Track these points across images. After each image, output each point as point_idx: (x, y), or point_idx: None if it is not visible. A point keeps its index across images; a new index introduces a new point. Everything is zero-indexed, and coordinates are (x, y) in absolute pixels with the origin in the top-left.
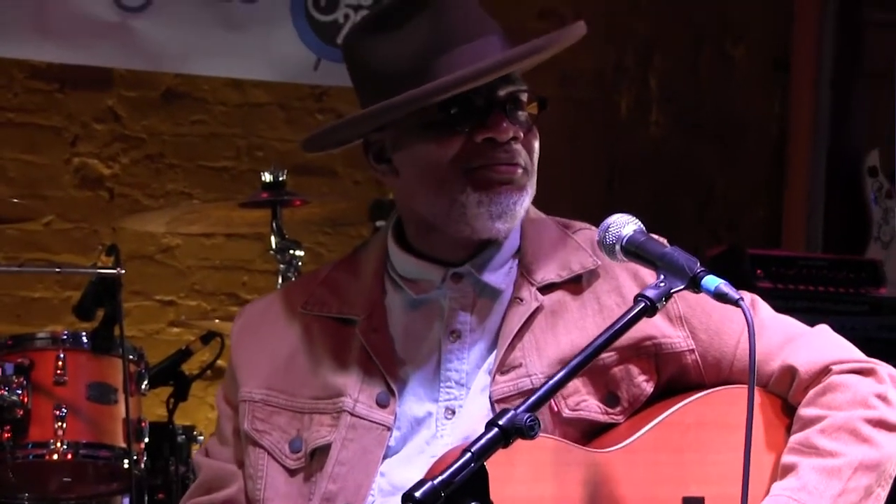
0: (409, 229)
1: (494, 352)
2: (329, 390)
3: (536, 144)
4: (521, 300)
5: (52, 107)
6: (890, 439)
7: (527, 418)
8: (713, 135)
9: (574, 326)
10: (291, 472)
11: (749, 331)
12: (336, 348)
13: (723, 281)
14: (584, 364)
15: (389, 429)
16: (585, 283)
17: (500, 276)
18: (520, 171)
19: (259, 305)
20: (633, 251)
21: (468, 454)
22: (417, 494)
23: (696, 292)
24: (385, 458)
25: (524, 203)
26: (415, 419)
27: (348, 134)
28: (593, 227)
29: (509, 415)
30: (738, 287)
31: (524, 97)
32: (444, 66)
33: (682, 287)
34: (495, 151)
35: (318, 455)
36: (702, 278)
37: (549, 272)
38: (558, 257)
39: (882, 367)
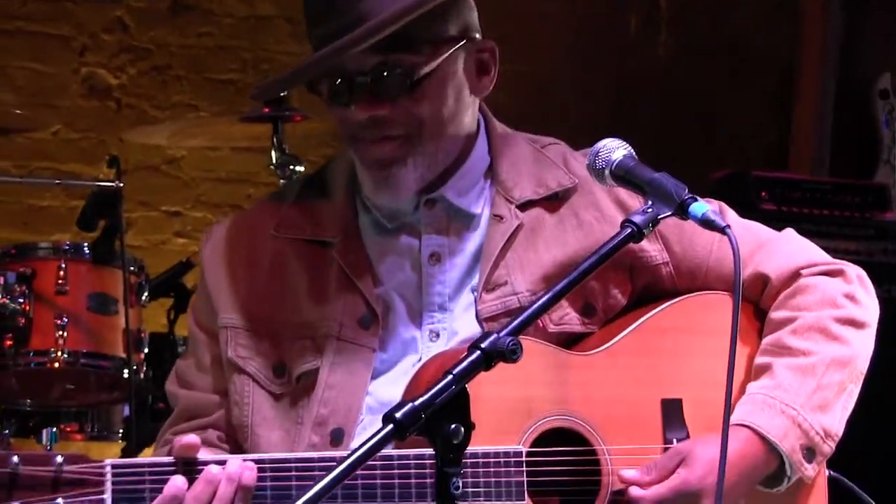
0: None
1: (477, 272)
2: (311, 315)
3: (426, 105)
4: (502, 218)
5: (61, 16)
6: (859, 336)
7: (509, 342)
8: (722, 57)
9: (554, 242)
10: (277, 397)
11: (735, 259)
12: (314, 272)
13: (710, 208)
14: (569, 288)
15: (375, 350)
16: (562, 200)
17: (472, 198)
18: (390, 145)
19: (226, 226)
20: (622, 176)
21: (450, 376)
22: (398, 415)
23: (684, 219)
24: (372, 379)
25: (411, 170)
26: (400, 343)
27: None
28: (561, 142)
29: (492, 338)
30: (743, 210)
31: (407, 61)
32: (327, 32)
33: (669, 213)
34: (361, 129)
35: (305, 380)
36: (689, 205)
37: (525, 189)
38: (533, 174)
39: (850, 268)
